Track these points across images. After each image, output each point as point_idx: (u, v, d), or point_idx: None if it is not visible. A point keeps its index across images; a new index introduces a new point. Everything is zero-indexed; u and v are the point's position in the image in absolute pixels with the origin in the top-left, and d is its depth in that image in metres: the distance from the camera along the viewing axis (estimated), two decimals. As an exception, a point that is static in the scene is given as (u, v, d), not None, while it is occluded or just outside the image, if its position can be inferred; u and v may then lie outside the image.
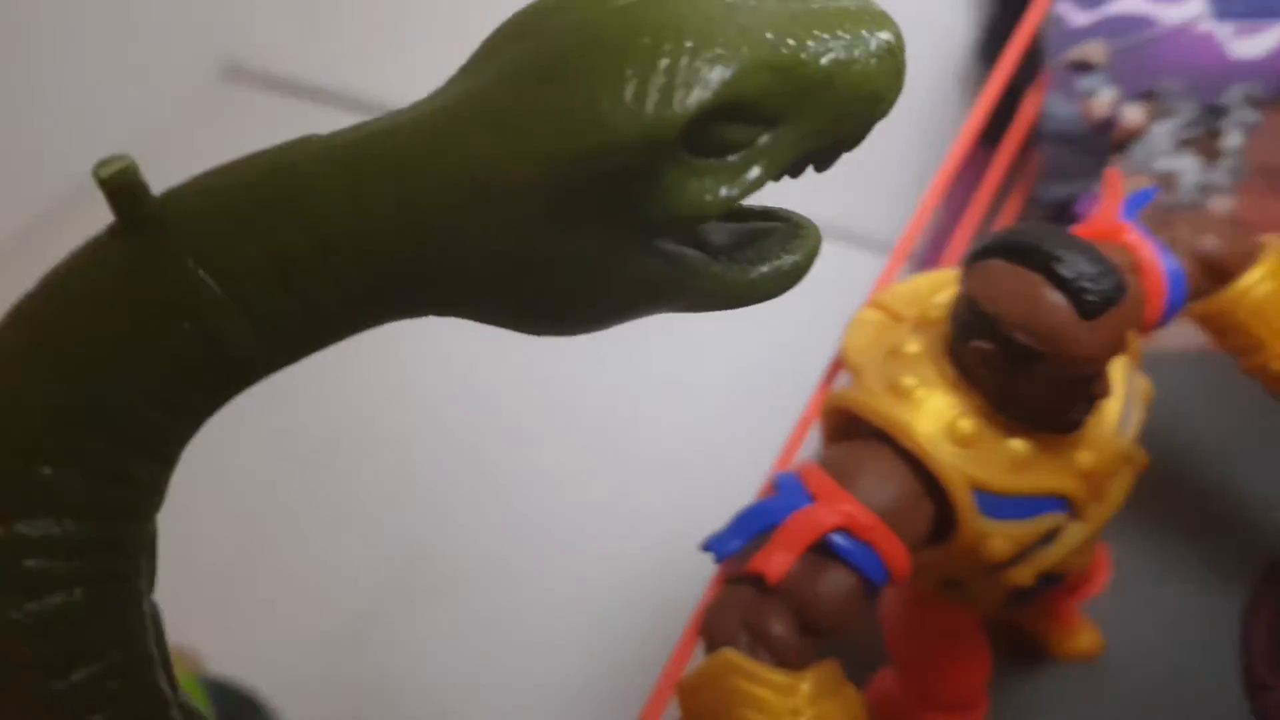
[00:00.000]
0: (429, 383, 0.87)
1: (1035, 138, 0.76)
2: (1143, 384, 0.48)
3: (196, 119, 1.08)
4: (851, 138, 0.29)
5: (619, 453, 0.81)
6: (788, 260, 0.30)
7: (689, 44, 0.26)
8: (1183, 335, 0.83)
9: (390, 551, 0.79)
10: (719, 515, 0.44)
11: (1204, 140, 0.75)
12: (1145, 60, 0.72)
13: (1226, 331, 0.54)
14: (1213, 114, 0.73)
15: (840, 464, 0.44)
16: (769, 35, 0.26)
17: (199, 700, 0.41)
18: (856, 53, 0.27)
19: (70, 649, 0.27)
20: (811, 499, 0.42)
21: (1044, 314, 0.40)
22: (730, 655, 0.40)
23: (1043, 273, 0.40)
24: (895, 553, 0.42)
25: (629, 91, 0.26)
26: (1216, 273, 0.53)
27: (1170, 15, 0.70)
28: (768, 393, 0.67)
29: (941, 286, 0.48)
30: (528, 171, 0.26)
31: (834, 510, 0.42)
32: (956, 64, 0.93)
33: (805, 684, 0.39)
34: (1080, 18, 0.71)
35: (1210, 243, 0.52)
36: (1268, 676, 0.66)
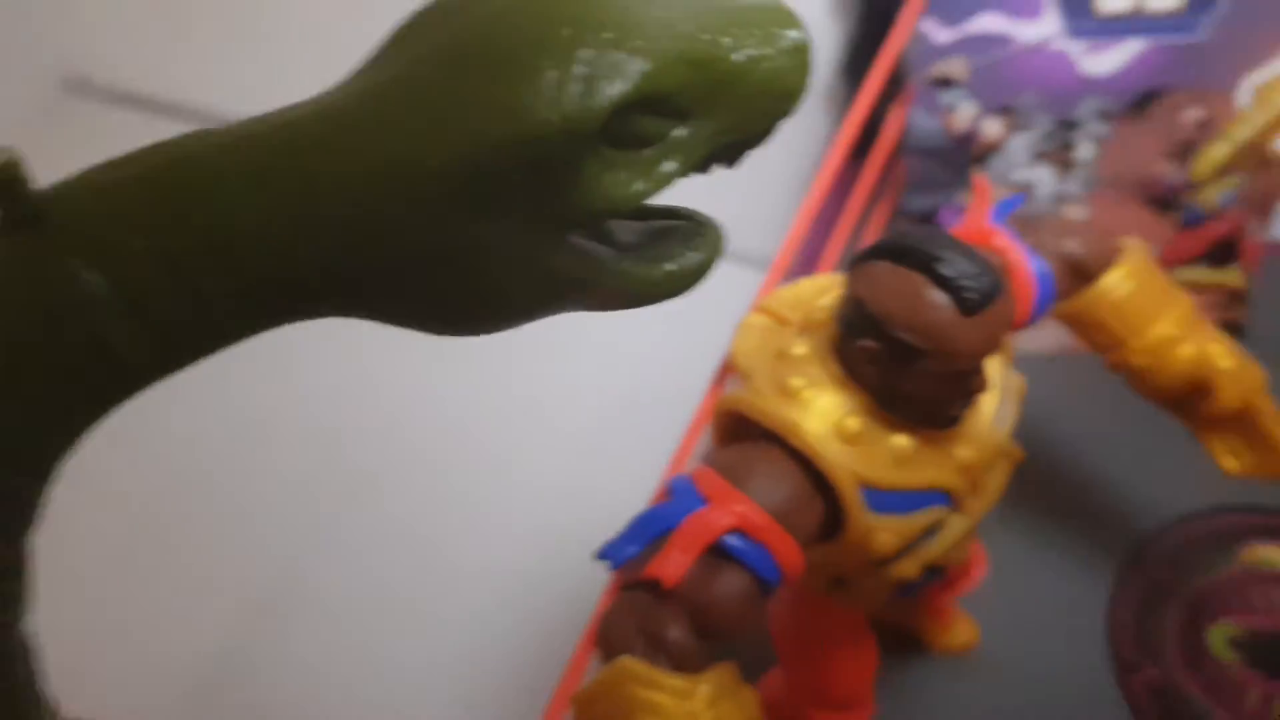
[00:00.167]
0: (305, 394, 0.84)
1: (900, 151, 0.78)
2: (1016, 380, 0.49)
3: (39, 133, 1.03)
4: (760, 134, 0.29)
5: (508, 465, 0.80)
6: (692, 258, 0.30)
7: (609, 36, 0.26)
8: (1050, 337, 0.87)
9: (262, 573, 0.75)
10: (612, 524, 0.44)
11: (1058, 152, 0.79)
12: (1003, 76, 0.75)
13: (1090, 329, 0.56)
14: (1066, 127, 0.77)
15: (732, 466, 0.44)
16: (686, 29, 0.27)
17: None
18: (769, 50, 0.28)
19: None
20: (705, 501, 0.42)
21: (927, 312, 0.41)
22: (627, 663, 0.39)
23: (925, 273, 0.41)
24: (788, 552, 0.42)
25: (550, 82, 0.25)
26: (1080, 274, 0.55)
27: (1026, 34, 0.74)
28: (657, 402, 0.67)
29: (825, 290, 0.49)
30: (445, 159, 0.26)
31: (728, 512, 0.42)
32: (823, 82, 0.96)
33: (703, 687, 0.39)
34: (942, 35, 0.74)
35: (1074, 246, 0.55)
36: (1134, 658, 0.69)
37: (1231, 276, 0.86)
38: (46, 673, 0.29)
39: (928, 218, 0.81)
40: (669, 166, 0.27)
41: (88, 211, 0.26)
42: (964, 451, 0.46)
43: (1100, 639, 0.71)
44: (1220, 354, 0.54)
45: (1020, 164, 0.79)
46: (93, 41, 1.11)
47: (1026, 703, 0.67)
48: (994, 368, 0.48)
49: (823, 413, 0.44)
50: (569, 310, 0.30)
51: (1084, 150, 0.78)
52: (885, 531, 0.44)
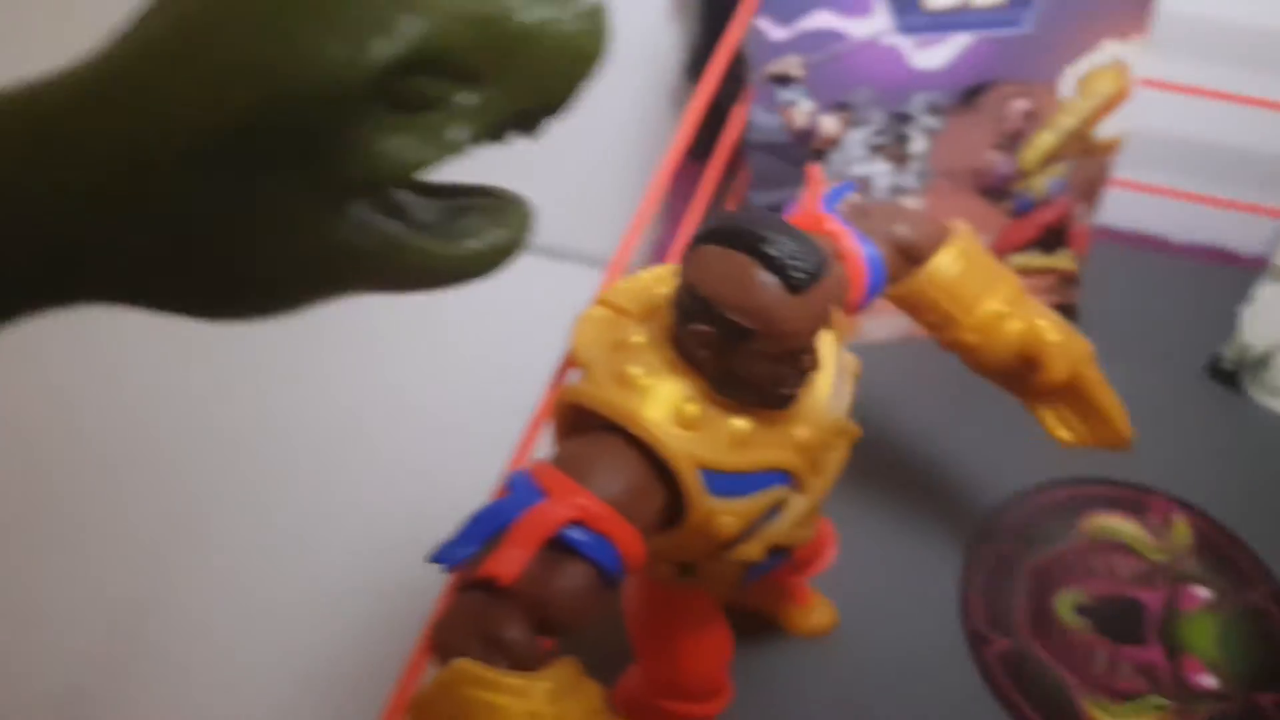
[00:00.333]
0: (126, 407, 0.80)
1: (744, 148, 0.79)
2: (851, 360, 0.50)
3: None
4: (557, 100, 0.28)
5: (345, 471, 0.77)
6: (498, 235, 0.29)
7: None
8: (891, 326, 0.89)
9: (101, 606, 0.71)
10: (452, 526, 0.43)
11: (893, 146, 0.81)
12: (838, 72, 0.77)
13: (922, 310, 0.58)
14: (899, 121, 0.80)
15: (572, 458, 0.43)
16: None
17: None
18: (561, 12, 0.27)
19: None
20: (543, 495, 0.41)
21: (755, 293, 0.41)
22: (463, 664, 0.38)
23: (752, 254, 0.41)
24: (630, 541, 0.42)
25: (319, 37, 0.24)
26: (910, 257, 0.57)
27: (859, 30, 0.75)
28: (498, 403, 0.66)
29: (663, 280, 0.49)
30: (207, 119, 0.24)
31: (567, 504, 0.41)
32: (667, 84, 0.96)
33: (543, 685, 0.38)
34: (778, 33, 0.75)
35: (904, 230, 0.56)
36: (985, 630, 0.71)
37: (1063, 261, 0.90)
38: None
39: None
40: (457, 133, 0.26)
41: None
42: (802, 431, 0.46)
43: (953, 614, 0.73)
44: (1048, 328, 0.56)
45: (858, 158, 0.81)
46: None
47: (884, 680, 0.69)
48: (828, 348, 0.48)
49: (661, 399, 0.44)
50: (364, 290, 0.28)
51: (917, 143, 0.81)
52: (727, 514, 0.44)
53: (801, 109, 0.77)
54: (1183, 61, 0.88)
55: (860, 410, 0.84)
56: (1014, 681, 0.70)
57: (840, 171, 0.81)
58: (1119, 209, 0.97)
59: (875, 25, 0.76)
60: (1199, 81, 0.88)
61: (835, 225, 0.53)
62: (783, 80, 0.76)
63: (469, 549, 0.41)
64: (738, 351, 0.43)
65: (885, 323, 0.89)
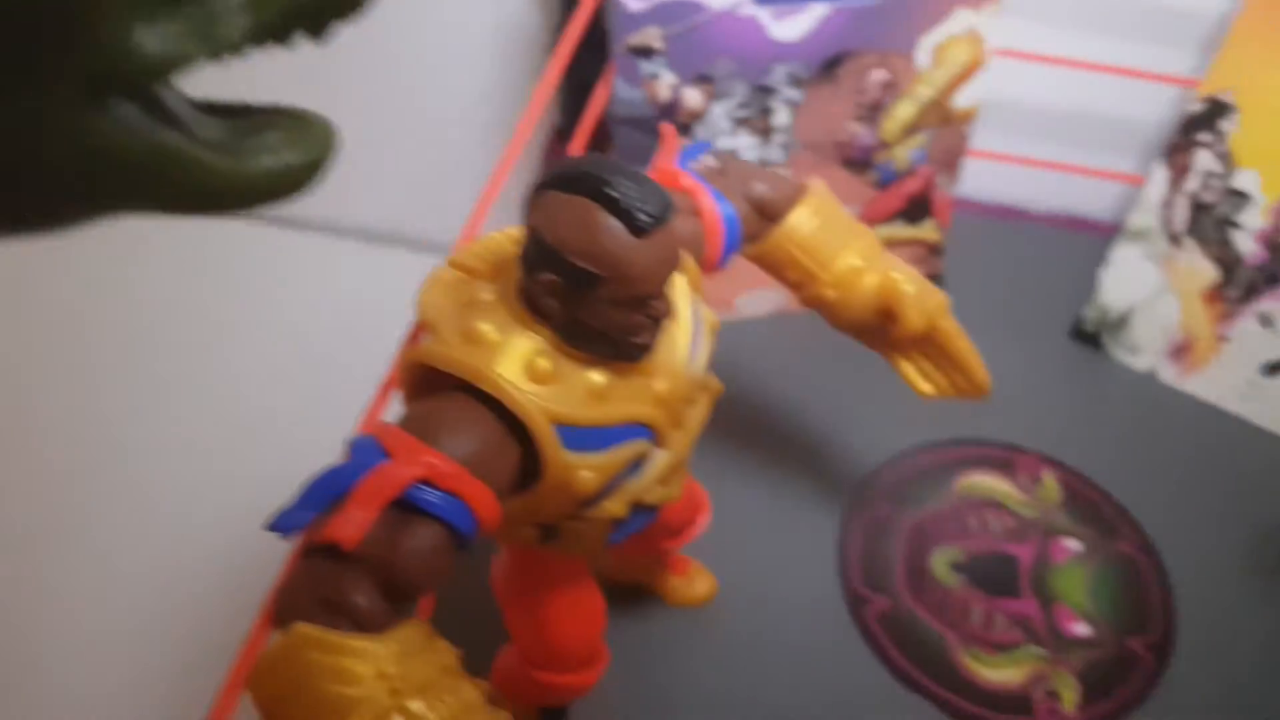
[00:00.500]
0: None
1: (609, 123, 0.79)
2: (708, 315, 0.50)
3: None
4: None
5: (194, 443, 0.74)
6: (295, 155, 0.28)
7: None
8: (763, 302, 0.90)
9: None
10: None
11: (757, 119, 0.81)
12: (697, 44, 0.76)
13: (783, 268, 0.58)
14: (762, 94, 0.80)
15: (418, 418, 0.42)
16: None
17: None
18: None
19: None
20: (387, 456, 0.40)
21: (599, 237, 0.40)
22: (303, 629, 0.36)
23: (595, 198, 0.40)
24: (482, 500, 0.40)
25: None
26: (767, 215, 0.57)
27: (716, 1, 0.75)
28: (346, 376, 0.64)
29: (514, 240, 0.48)
30: None
31: (412, 463, 0.39)
32: (528, 64, 0.95)
33: (389, 645, 0.37)
34: (636, 4, 0.74)
35: (760, 188, 0.56)
36: (864, 591, 0.71)
37: (927, 231, 0.92)
38: None
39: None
40: (229, 28, 0.24)
41: None
42: (660, 384, 0.46)
43: (832, 577, 0.73)
44: (903, 280, 0.56)
45: (723, 132, 0.81)
46: None
47: (766, 645, 0.69)
48: (683, 300, 0.48)
49: (511, 355, 0.42)
50: (147, 207, 0.26)
51: (781, 116, 0.81)
52: (586, 469, 0.43)
53: (664, 82, 0.77)
54: (1034, 29, 0.90)
55: (737, 383, 0.85)
56: (893, 639, 0.70)
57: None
58: (979, 181, 0.99)
59: (733, -3, 0.76)
60: (1050, 49, 0.91)
61: (690, 182, 0.53)
62: (644, 53, 0.76)
63: (307, 515, 0.39)
64: (586, 299, 0.42)
65: (759, 298, 0.89)
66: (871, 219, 0.88)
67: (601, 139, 0.79)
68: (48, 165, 0.24)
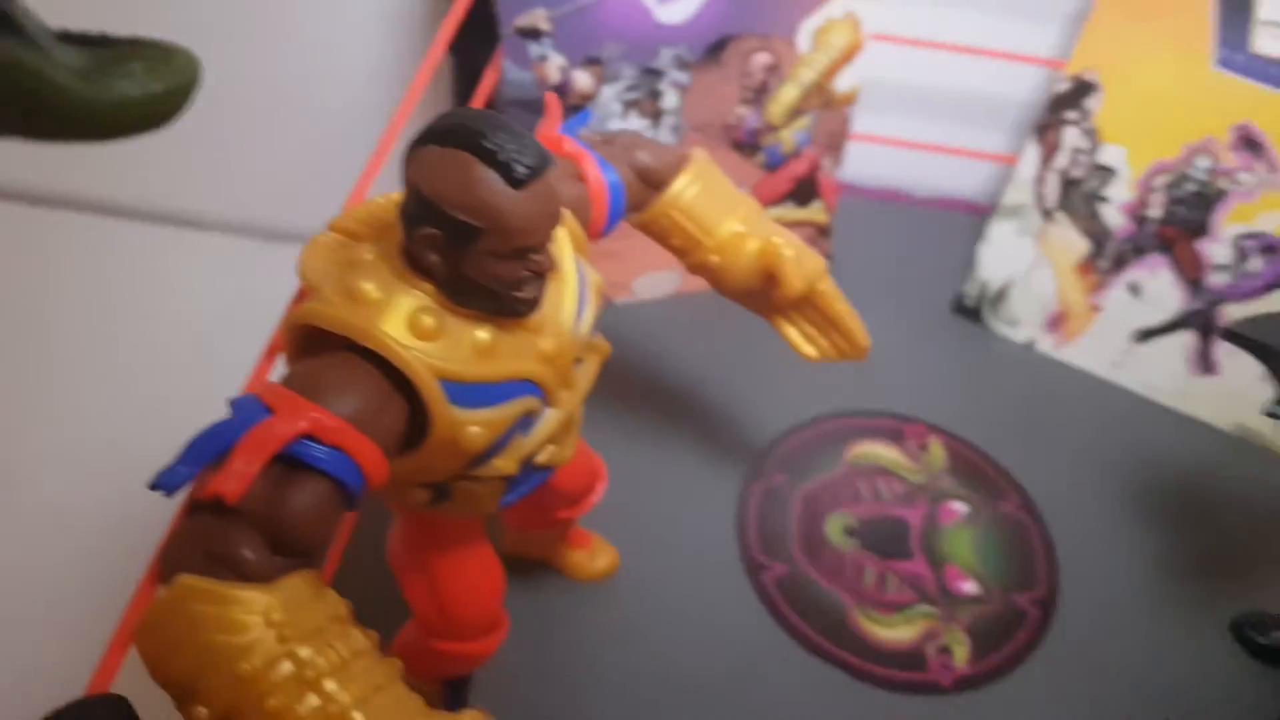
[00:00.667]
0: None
1: (498, 106, 0.79)
2: (594, 276, 0.50)
3: None
4: None
5: (83, 406, 0.72)
6: (156, 85, 0.27)
7: None
8: (660, 284, 0.91)
9: None
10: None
11: (647, 102, 0.83)
12: (585, 27, 0.78)
13: (668, 235, 0.59)
14: (651, 76, 0.81)
15: (302, 377, 0.42)
16: None
17: None
18: None
19: None
20: (269, 413, 0.40)
21: (476, 189, 0.41)
22: (187, 580, 0.36)
23: (471, 150, 0.41)
24: (368, 455, 0.41)
25: None
26: (652, 183, 0.58)
27: (600, -15, 0.77)
28: (235, 339, 0.63)
29: (396, 204, 0.48)
30: None
31: (295, 418, 0.39)
32: (417, 53, 0.95)
33: (276, 593, 0.36)
34: (522, -13, 0.75)
35: (644, 156, 0.57)
36: (762, 558, 0.73)
37: (816, 213, 0.94)
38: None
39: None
40: None
41: None
42: (546, 342, 0.46)
43: (731, 547, 0.75)
44: (783, 244, 0.58)
45: (613, 114, 0.82)
46: None
47: (668, 614, 0.70)
48: (568, 260, 0.49)
49: (395, 312, 0.43)
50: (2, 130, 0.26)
51: (669, 98, 0.83)
52: (473, 424, 0.44)
53: (553, 64, 0.78)
54: (909, 12, 0.94)
55: (637, 363, 0.86)
56: (791, 603, 0.72)
57: (598, 127, 0.82)
58: (864, 165, 1.02)
59: (618, -20, 0.78)
60: (924, 32, 0.94)
61: (574, 147, 0.53)
62: (532, 34, 0.76)
63: (189, 472, 0.38)
64: (467, 253, 0.42)
65: (657, 281, 0.91)
66: (761, 201, 0.90)
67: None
68: None
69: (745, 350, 0.86)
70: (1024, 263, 0.91)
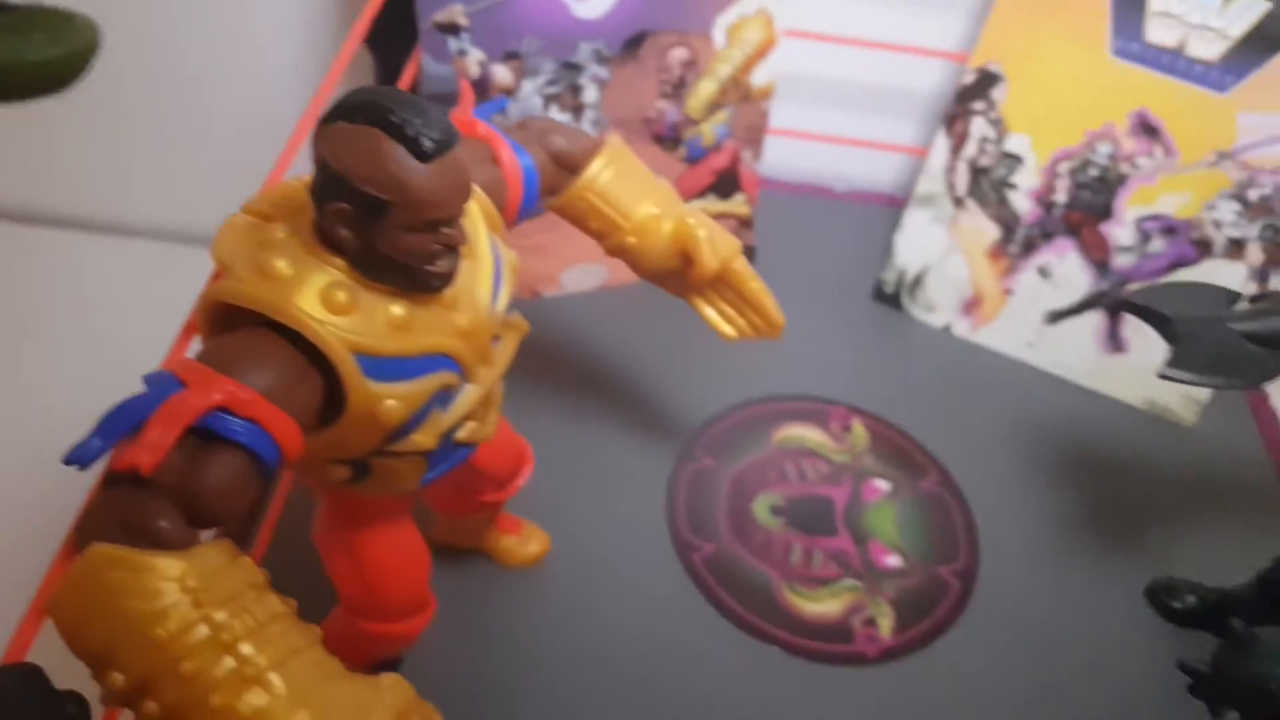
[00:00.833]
0: None
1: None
2: (510, 255, 0.51)
3: None
4: None
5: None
6: (55, 49, 0.28)
7: None
8: (588, 277, 0.92)
9: None
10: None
11: (567, 96, 0.84)
12: (503, 21, 0.79)
13: (586, 218, 0.60)
14: (570, 71, 0.83)
15: (216, 352, 0.42)
16: None
17: None
18: None
19: None
20: (183, 387, 0.40)
21: (384, 162, 0.42)
22: (102, 548, 0.36)
23: (379, 125, 0.42)
24: (283, 427, 0.41)
25: None
26: (567, 167, 0.59)
27: (517, -20, 0.78)
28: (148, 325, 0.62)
29: (308, 185, 0.49)
30: None
31: (209, 390, 0.40)
32: (333, 49, 0.96)
33: (191, 560, 0.37)
34: (440, -17, 0.76)
35: (559, 141, 0.59)
36: (691, 539, 0.74)
37: (738, 206, 0.96)
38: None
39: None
40: None
41: None
42: (462, 318, 0.47)
43: (662, 529, 0.76)
44: (697, 224, 0.60)
45: (535, 108, 0.83)
46: None
47: (601, 597, 0.71)
48: (483, 241, 0.49)
49: (308, 288, 0.43)
50: None
51: (589, 93, 0.84)
52: (390, 398, 0.44)
53: (472, 59, 0.79)
54: (822, 8, 0.96)
55: (567, 354, 0.87)
56: (720, 581, 0.74)
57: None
58: (785, 161, 1.05)
59: (533, -24, 0.79)
60: (836, 28, 0.97)
61: (487, 131, 0.55)
62: (450, 29, 0.77)
63: (103, 445, 0.39)
64: (378, 227, 0.43)
65: (585, 273, 0.92)
66: (683, 194, 0.92)
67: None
68: None
69: (672, 340, 0.87)
70: (938, 250, 0.94)
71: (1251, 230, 0.84)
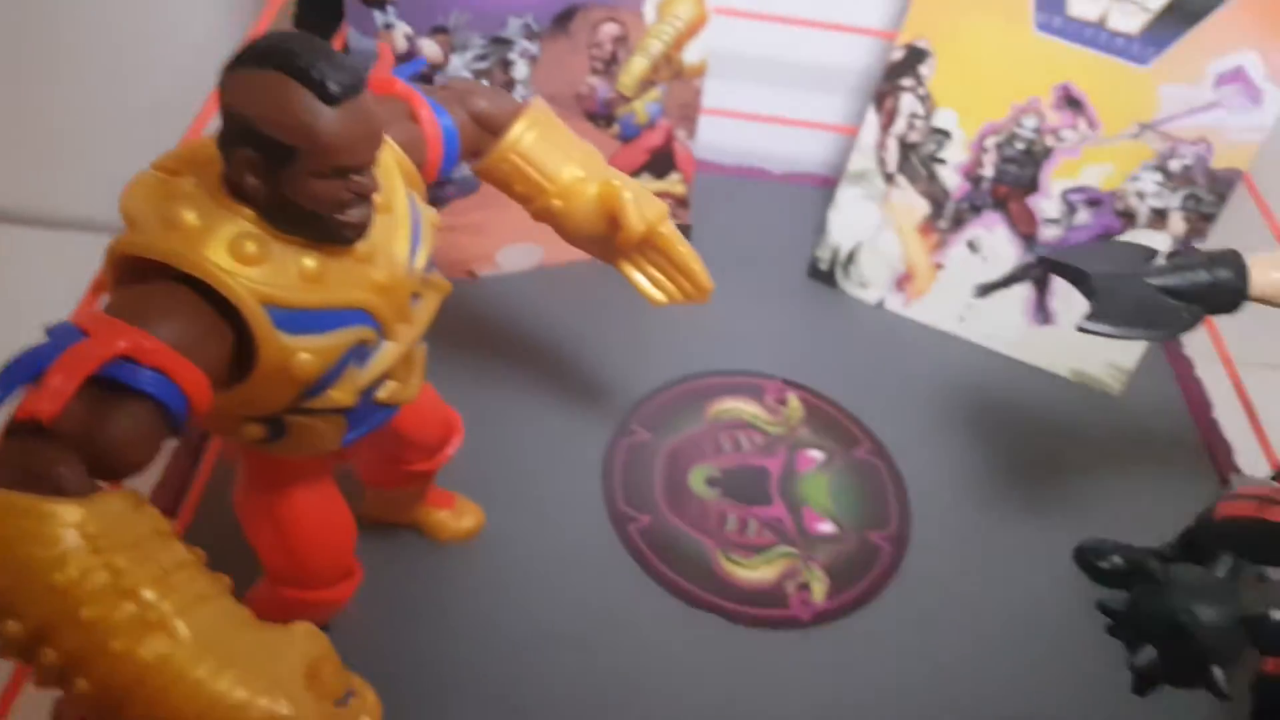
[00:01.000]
0: None
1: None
2: (430, 213, 0.51)
3: None
4: None
5: None
6: None
7: None
8: (524, 257, 0.92)
9: None
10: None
11: (498, 71, 0.83)
12: (430, -4, 0.78)
13: (512, 181, 0.60)
14: (500, 45, 0.82)
15: (122, 304, 0.41)
16: None
17: None
18: None
19: None
20: (85, 336, 0.39)
21: (290, 106, 0.41)
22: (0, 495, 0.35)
23: (284, 69, 0.41)
24: (191, 378, 0.40)
25: None
26: (490, 129, 0.59)
27: (443, -46, 0.77)
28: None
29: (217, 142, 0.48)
30: None
31: (113, 338, 0.39)
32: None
33: (92, 506, 0.36)
34: (365, -44, 0.75)
35: (481, 103, 0.58)
36: (627, 511, 0.74)
37: (674, 185, 0.96)
38: None
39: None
40: None
41: None
42: (378, 273, 0.47)
43: (597, 502, 0.76)
44: (622, 186, 0.60)
45: (465, 84, 0.83)
46: None
47: (537, 569, 0.71)
48: (401, 198, 0.49)
49: (216, 238, 0.43)
50: None
51: (520, 69, 0.84)
52: (304, 351, 0.44)
53: (399, 33, 0.78)
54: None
55: (505, 332, 0.87)
56: (656, 551, 0.74)
57: (447, 97, 0.82)
58: (721, 141, 1.05)
59: (461, -50, 0.79)
60: (767, 6, 0.97)
61: (406, 89, 0.54)
62: (376, 3, 0.77)
63: (2, 395, 0.38)
64: (286, 174, 0.42)
65: (521, 253, 0.92)
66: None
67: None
68: None
69: (609, 319, 0.87)
70: (870, 226, 0.95)
71: (1174, 200, 0.86)
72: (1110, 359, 0.91)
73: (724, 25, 0.93)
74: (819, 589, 0.73)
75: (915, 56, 0.89)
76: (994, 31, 0.86)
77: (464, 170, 0.86)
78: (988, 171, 0.90)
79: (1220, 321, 0.90)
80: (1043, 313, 0.92)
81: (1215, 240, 0.84)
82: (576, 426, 0.80)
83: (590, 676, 0.66)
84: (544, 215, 0.61)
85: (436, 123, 0.55)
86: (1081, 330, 0.59)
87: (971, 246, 0.92)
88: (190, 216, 0.43)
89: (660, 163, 0.94)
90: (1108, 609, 0.49)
